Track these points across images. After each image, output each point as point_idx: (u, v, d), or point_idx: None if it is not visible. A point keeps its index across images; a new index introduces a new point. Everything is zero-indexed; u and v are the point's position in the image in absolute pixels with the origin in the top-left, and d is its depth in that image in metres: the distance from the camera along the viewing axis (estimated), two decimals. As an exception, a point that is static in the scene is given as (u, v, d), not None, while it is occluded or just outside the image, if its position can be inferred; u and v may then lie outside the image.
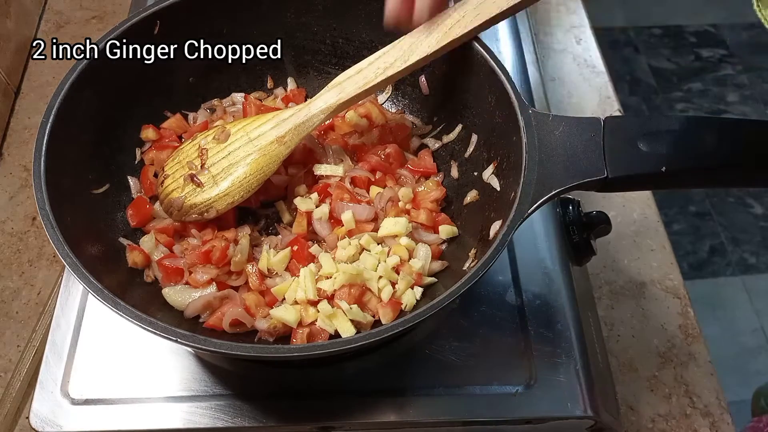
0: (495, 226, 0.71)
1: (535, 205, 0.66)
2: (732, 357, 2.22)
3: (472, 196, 0.82)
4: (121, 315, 0.61)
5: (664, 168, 0.65)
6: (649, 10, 3.32)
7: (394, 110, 0.94)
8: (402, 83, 0.93)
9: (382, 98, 0.94)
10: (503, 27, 1.08)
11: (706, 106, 2.96)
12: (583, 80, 1.23)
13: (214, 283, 0.75)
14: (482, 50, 0.77)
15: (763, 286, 2.45)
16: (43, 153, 0.69)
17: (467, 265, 0.73)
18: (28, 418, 0.74)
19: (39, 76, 1.21)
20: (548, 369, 0.75)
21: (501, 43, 1.06)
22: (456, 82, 0.84)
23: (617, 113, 1.17)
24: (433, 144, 0.90)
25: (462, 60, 0.80)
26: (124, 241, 0.78)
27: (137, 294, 0.74)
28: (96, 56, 0.76)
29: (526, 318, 0.79)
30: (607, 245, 1.03)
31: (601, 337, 0.89)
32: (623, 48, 3.17)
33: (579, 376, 0.75)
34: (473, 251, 0.74)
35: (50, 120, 0.71)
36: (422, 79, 0.89)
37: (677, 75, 3.07)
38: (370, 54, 0.90)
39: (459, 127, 0.87)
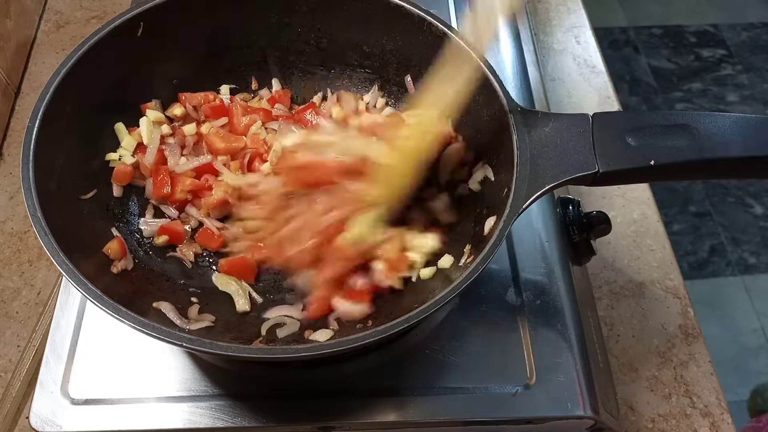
0: (489, 222, 0.71)
1: (529, 201, 0.67)
2: (732, 357, 2.23)
3: (462, 191, 0.82)
4: (123, 321, 0.61)
5: (652, 162, 0.67)
6: (649, 10, 3.32)
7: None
8: (388, 83, 0.92)
9: (367, 97, 0.94)
10: (503, 27, 1.08)
11: (706, 106, 2.96)
12: (583, 80, 1.23)
13: None
14: (469, 49, 0.77)
15: (763, 286, 2.45)
16: (30, 159, 0.68)
17: (463, 261, 0.73)
18: (28, 418, 0.74)
19: (39, 76, 1.21)
20: (548, 369, 0.75)
21: (501, 43, 1.06)
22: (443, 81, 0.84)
23: (617, 113, 1.18)
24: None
25: (449, 58, 0.80)
26: (115, 232, 0.78)
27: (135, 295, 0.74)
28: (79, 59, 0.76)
29: (526, 318, 0.79)
30: (607, 245, 1.03)
31: (601, 337, 0.89)
32: (623, 48, 3.17)
33: (579, 376, 0.75)
34: (468, 247, 0.74)
35: (36, 124, 0.70)
36: (408, 78, 0.89)
37: (677, 75, 3.07)
38: (355, 54, 0.91)
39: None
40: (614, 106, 1.19)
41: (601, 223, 0.87)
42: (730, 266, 2.50)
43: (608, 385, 0.83)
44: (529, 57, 1.06)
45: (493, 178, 0.77)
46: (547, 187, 0.68)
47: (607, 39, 3.18)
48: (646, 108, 2.95)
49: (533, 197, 0.67)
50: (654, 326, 0.96)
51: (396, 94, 0.93)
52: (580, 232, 0.88)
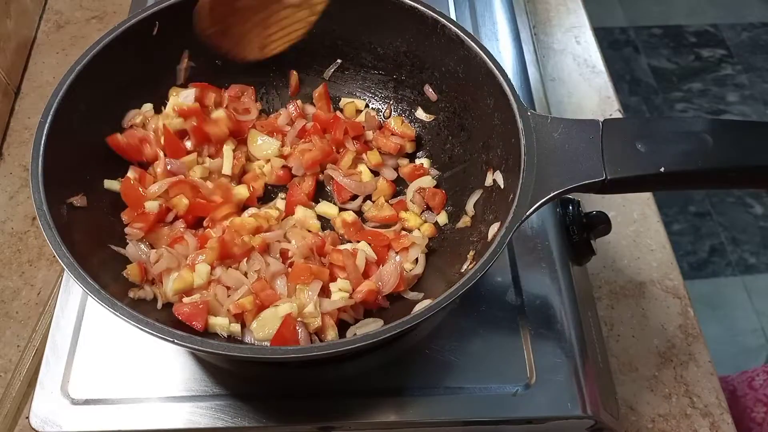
0: (493, 228, 0.71)
1: (533, 208, 0.66)
2: (732, 357, 2.23)
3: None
4: (118, 315, 0.61)
5: (662, 169, 0.65)
6: (649, 10, 3.32)
7: (395, 114, 0.94)
8: (401, 85, 0.92)
9: (377, 104, 0.95)
10: (503, 27, 1.08)
11: (706, 106, 2.96)
12: (583, 80, 1.23)
13: None
14: (481, 52, 0.77)
15: (763, 286, 2.45)
16: (41, 153, 0.68)
17: (465, 266, 0.73)
18: (28, 418, 0.74)
19: (39, 76, 1.21)
20: (548, 369, 0.75)
21: (501, 43, 1.06)
22: (455, 85, 0.84)
23: (617, 113, 1.18)
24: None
25: (461, 62, 0.80)
26: (119, 249, 0.77)
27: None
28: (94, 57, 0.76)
29: (526, 318, 0.79)
30: (607, 245, 1.03)
31: (601, 337, 0.89)
32: (623, 48, 3.17)
33: (579, 376, 0.75)
34: (471, 253, 0.74)
35: (48, 120, 0.70)
36: (428, 87, 0.89)
37: (677, 75, 3.08)
38: (369, 56, 0.91)
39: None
40: (614, 106, 1.19)
41: (601, 223, 0.87)
42: (730, 266, 2.50)
43: (608, 385, 0.83)
44: (529, 57, 1.06)
45: (503, 185, 0.76)
46: (552, 194, 0.67)
47: (607, 39, 3.18)
48: (646, 108, 2.95)
49: (537, 204, 0.66)
50: (654, 326, 0.96)
51: (409, 97, 0.92)
52: (580, 232, 0.87)
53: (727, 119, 0.67)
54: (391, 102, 0.94)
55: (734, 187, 0.79)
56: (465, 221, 0.81)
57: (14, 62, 1.19)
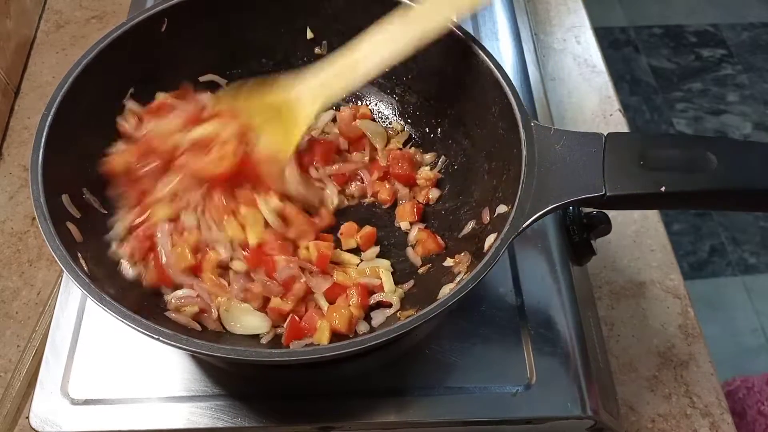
0: (490, 239, 0.70)
1: (530, 220, 0.65)
2: (732, 357, 2.22)
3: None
4: (104, 309, 0.61)
5: (663, 188, 0.64)
6: (649, 9, 3.32)
7: (396, 118, 0.94)
8: (409, 89, 0.92)
9: (383, 106, 0.95)
10: (503, 26, 1.08)
11: (706, 106, 2.96)
12: (583, 80, 1.23)
13: None
14: (487, 59, 0.76)
15: (763, 286, 2.45)
16: (42, 145, 0.68)
17: (460, 276, 0.73)
18: (28, 418, 0.74)
19: (39, 76, 1.21)
20: (548, 369, 0.75)
21: (501, 43, 1.06)
22: (460, 92, 0.84)
23: (617, 113, 1.17)
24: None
25: (466, 69, 0.80)
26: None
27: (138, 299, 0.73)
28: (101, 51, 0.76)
29: (526, 318, 0.79)
30: (607, 245, 1.03)
31: (601, 337, 0.89)
32: (623, 48, 3.17)
33: (579, 376, 0.75)
34: (467, 264, 0.74)
35: (51, 113, 0.70)
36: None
37: (677, 75, 3.07)
38: None
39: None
40: (614, 105, 1.19)
41: (601, 223, 0.87)
42: (730, 266, 2.50)
43: (608, 385, 0.83)
44: (529, 57, 1.06)
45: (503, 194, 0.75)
46: (550, 207, 0.66)
47: (608, 39, 3.18)
48: (646, 108, 2.95)
49: (534, 216, 0.65)
50: (654, 326, 0.96)
51: (414, 102, 0.92)
52: (580, 232, 0.87)
53: (737, 139, 0.64)
54: (396, 106, 0.94)
55: (737, 209, 0.77)
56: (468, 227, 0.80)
57: (14, 62, 1.19)
